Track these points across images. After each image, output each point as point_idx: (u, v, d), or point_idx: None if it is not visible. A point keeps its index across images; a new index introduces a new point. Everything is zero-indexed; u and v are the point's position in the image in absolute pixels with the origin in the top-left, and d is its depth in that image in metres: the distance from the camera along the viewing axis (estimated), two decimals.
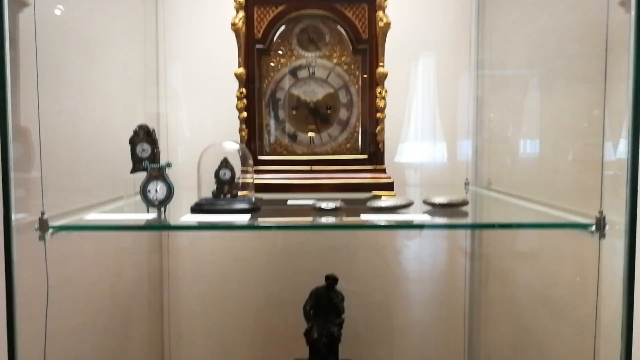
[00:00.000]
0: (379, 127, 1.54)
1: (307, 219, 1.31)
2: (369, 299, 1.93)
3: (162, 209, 1.32)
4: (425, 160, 1.99)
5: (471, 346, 1.98)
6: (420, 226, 1.35)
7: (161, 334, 2.00)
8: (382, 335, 1.98)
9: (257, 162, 1.53)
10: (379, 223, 1.28)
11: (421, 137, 1.99)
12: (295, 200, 1.50)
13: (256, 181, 1.46)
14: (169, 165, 1.33)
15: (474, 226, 1.75)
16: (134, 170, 1.38)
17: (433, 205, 1.37)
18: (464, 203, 1.37)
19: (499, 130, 1.93)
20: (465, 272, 2.00)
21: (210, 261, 1.96)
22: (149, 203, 1.32)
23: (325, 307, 1.55)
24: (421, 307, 1.98)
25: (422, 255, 2.01)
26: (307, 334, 1.53)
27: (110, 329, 1.73)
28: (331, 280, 1.54)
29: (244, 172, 1.46)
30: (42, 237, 1.15)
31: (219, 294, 1.95)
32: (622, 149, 1.22)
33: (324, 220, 1.29)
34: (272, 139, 1.57)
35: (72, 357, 1.49)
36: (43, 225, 1.15)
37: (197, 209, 1.32)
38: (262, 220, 1.35)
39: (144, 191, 1.32)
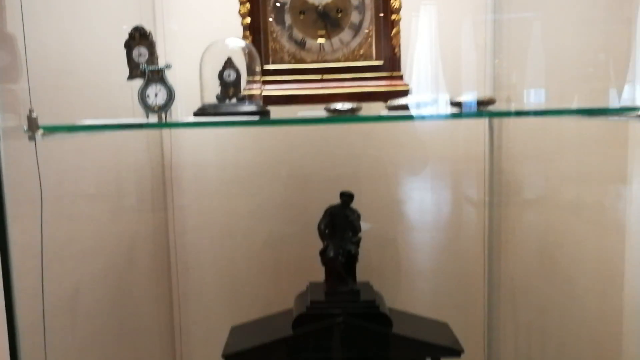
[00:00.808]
0: (394, 30, 1.42)
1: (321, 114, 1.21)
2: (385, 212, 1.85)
3: (163, 115, 1.22)
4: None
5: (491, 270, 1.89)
6: (443, 116, 1.24)
7: (168, 263, 1.91)
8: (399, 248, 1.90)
9: (263, 72, 1.41)
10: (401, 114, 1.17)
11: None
12: (305, 112, 1.39)
13: (262, 93, 1.35)
14: (168, 66, 1.22)
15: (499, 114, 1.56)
16: (131, 77, 1.27)
17: (458, 104, 1.26)
18: (491, 101, 1.26)
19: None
20: (484, 180, 1.88)
21: (216, 182, 1.86)
22: (148, 109, 1.22)
23: (341, 225, 1.45)
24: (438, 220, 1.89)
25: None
26: (323, 253, 1.43)
27: (113, 254, 1.66)
28: (346, 197, 1.44)
29: (250, 82, 1.35)
30: (32, 138, 1.05)
31: (228, 215, 1.86)
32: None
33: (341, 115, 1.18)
34: (279, 46, 1.45)
35: (70, 274, 1.41)
36: (32, 125, 1.05)
37: (200, 113, 1.21)
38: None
39: (142, 96, 1.22)
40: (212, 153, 1.90)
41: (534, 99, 1.62)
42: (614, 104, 1.31)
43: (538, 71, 1.59)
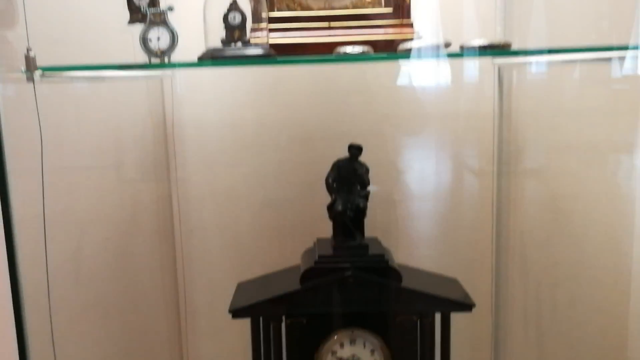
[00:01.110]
0: None
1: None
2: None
3: (166, 59, 1.17)
4: None
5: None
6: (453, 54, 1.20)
7: (171, 222, 1.88)
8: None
9: (268, 20, 1.36)
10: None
11: None
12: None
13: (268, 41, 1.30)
14: (170, 9, 1.17)
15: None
16: (131, 21, 1.22)
17: (472, 49, 1.21)
18: (507, 45, 1.22)
19: None
20: (493, 137, 1.82)
21: (219, 141, 1.82)
22: (150, 53, 1.17)
23: (349, 178, 1.41)
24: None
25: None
26: (331, 207, 1.40)
27: (114, 213, 1.63)
28: (355, 149, 1.40)
29: (255, 30, 1.30)
30: (30, 79, 1.01)
31: (232, 174, 1.82)
32: None
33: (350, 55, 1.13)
34: None
35: (72, 228, 1.38)
36: (30, 64, 1.00)
37: (205, 57, 1.17)
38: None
39: (144, 40, 1.17)
40: (213, 111, 1.86)
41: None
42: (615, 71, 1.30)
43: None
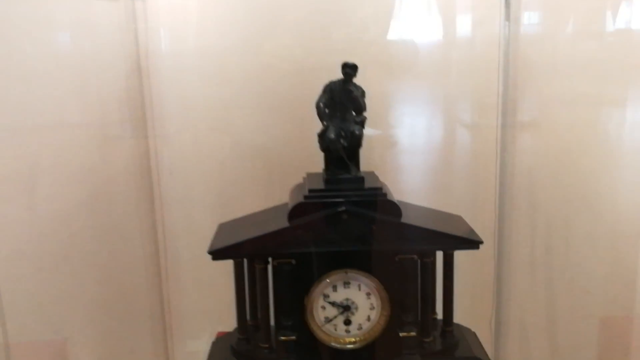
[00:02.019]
0: None
1: None
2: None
3: None
4: None
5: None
6: None
7: (147, 163, 1.72)
8: None
9: None
10: None
11: None
12: None
13: None
14: None
15: None
16: None
17: None
18: None
19: None
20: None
21: (198, 72, 1.64)
22: None
23: (342, 103, 1.25)
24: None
25: None
26: (322, 135, 1.24)
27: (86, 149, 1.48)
28: (349, 69, 1.23)
29: None
30: None
31: (212, 108, 1.65)
32: None
33: None
34: None
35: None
36: None
37: None
38: None
39: None
40: (192, 40, 1.68)
41: None
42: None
43: None
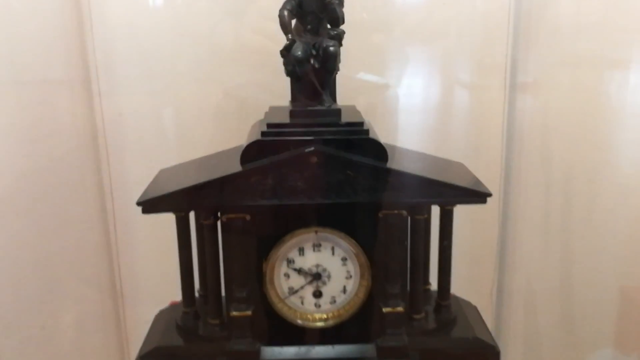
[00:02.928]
0: None
1: None
2: None
3: None
4: None
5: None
6: None
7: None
8: None
9: None
10: None
11: None
12: None
13: None
14: None
15: None
16: None
17: None
18: None
19: None
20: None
21: None
22: None
23: (314, 12, 0.95)
24: None
25: None
26: (286, 53, 0.94)
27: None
28: None
29: None
30: None
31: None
32: None
33: None
34: None
35: None
36: None
37: None
38: None
39: None
40: None
41: None
42: None
43: None
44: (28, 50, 1.27)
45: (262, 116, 1.07)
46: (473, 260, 1.52)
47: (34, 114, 1.30)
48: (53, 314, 1.42)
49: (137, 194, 0.97)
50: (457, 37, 1.41)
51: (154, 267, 1.53)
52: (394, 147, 1.05)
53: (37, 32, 1.29)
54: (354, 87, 1.28)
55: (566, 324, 1.50)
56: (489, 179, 1.17)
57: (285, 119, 0.97)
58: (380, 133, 1.00)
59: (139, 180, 1.33)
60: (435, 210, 1.02)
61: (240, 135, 1.20)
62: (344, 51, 0.96)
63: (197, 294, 1.11)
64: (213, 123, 1.42)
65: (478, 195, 0.94)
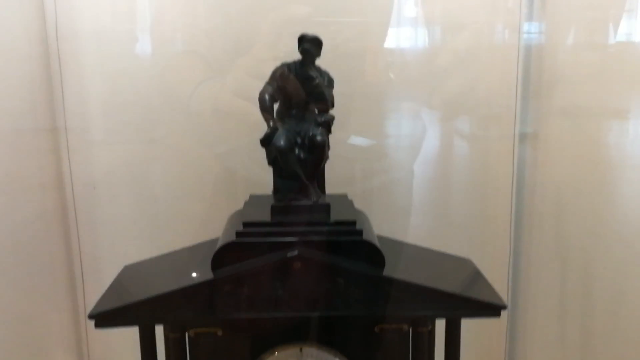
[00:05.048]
0: None
1: None
2: None
3: None
4: None
5: None
6: None
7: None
8: None
9: None
10: None
11: None
12: None
13: None
14: None
15: None
16: None
17: None
18: None
19: None
20: None
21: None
22: None
23: (299, 96, 0.84)
24: None
25: None
26: (267, 141, 0.82)
27: None
28: (308, 44, 0.82)
29: None
30: None
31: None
32: None
33: None
34: None
35: None
36: None
37: None
38: None
39: None
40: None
41: None
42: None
43: None
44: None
45: (246, 192, 0.95)
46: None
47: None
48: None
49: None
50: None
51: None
52: (393, 243, 0.92)
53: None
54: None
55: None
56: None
57: (265, 214, 0.83)
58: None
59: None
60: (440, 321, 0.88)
61: (228, 208, 1.07)
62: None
63: None
64: (197, 192, 1.29)
65: (491, 308, 0.80)
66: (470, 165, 1.34)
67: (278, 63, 0.86)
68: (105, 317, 0.79)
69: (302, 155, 0.83)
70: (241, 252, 0.79)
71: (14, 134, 1.21)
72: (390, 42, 1.26)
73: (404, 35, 1.28)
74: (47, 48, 1.27)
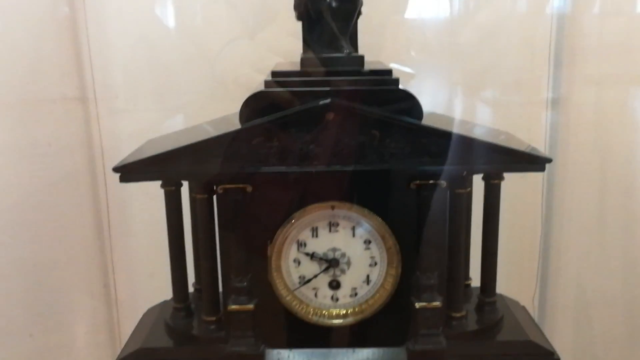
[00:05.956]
0: None
1: None
2: None
3: None
4: None
5: None
6: None
7: None
8: None
9: None
10: None
11: None
12: None
13: None
14: None
15: None
16: None
17: None
18: None
19: None
20: None
21: None
22: None
23: None
24: None
25: None
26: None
27: None
28: None
29: None
30: None
31: None
32: None
33: None
34: None
35: None
36: None
37: None
38: None
39: None
40: None
41: None
42: None
43: None
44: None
45: None
46: (511, 262, 1.32)
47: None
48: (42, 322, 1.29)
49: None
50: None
51: (151, 271, 1.36)
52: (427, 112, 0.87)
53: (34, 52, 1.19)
54: None
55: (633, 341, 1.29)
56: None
57: (295, 65, 0.79)
58: None
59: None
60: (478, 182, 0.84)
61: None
62: None
63: (192, 288, 0.93)
64: None
65: (536, 162, 0.76)
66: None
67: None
68: (130, 170, 0.76)
69: (333, 3, 0.78)
70: (270, 103, 0.75)
71: (44, 102, 1.22)
72: None
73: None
74: (75, 20, 1.23)
